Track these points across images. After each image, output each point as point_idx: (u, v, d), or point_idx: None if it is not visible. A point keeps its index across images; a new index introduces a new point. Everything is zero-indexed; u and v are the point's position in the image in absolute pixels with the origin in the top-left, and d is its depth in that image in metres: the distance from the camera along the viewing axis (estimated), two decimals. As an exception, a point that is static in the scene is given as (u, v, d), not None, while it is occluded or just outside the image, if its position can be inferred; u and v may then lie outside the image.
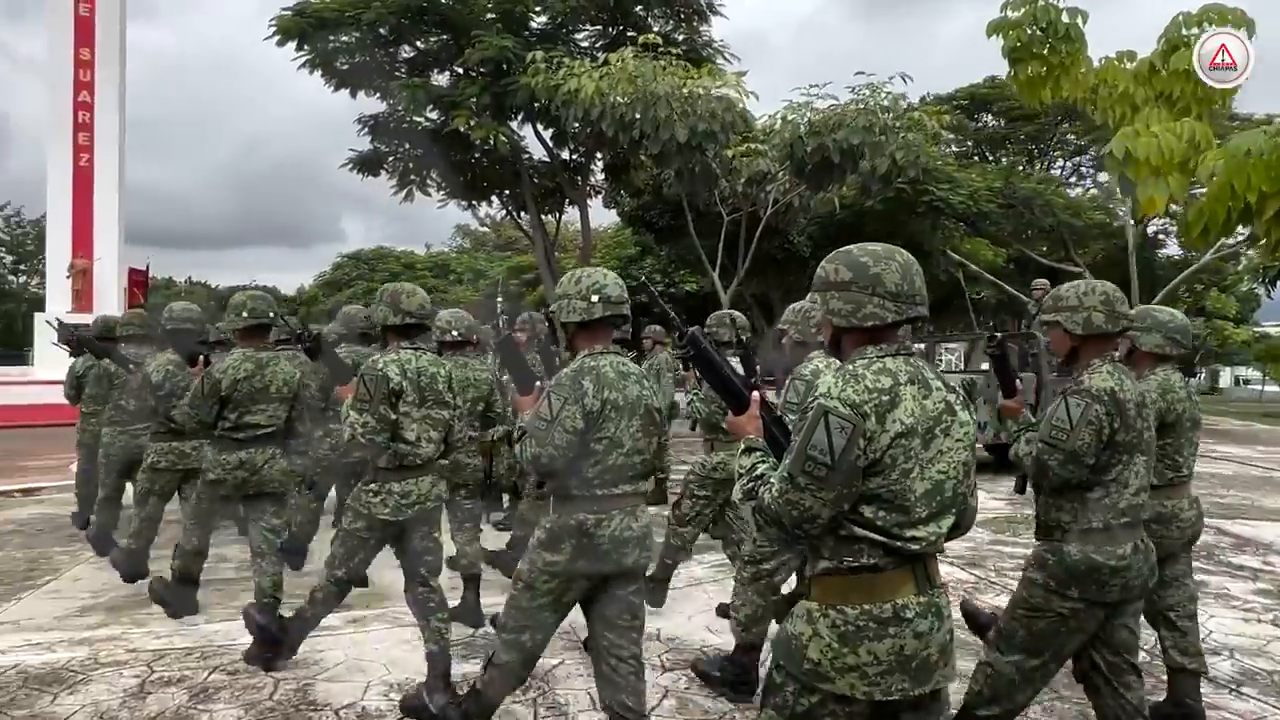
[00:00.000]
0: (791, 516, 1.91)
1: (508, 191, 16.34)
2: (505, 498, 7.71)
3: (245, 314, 4.56)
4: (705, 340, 2.22)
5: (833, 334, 2.09)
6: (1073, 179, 28.10)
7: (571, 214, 18.16)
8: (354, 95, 14.63)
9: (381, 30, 13.75)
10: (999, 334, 3.49)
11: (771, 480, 1.97)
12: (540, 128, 14.38)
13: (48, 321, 7.43)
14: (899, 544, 1.93)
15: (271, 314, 4.61)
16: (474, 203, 16.85)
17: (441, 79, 14.57)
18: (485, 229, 40.77)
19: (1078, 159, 27.98)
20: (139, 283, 23.81)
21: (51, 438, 12.66)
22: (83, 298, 22.62)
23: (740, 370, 4.48)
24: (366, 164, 15.26)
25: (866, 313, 1.99)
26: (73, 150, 24.09)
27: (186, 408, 4.58)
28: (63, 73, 24.12)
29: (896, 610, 1.94)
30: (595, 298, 2.96)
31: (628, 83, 9.97)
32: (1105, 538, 2.74)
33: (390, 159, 15.32)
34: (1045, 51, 6.53)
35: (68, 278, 23.46)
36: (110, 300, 22.03)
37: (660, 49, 10.20)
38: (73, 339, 7.12)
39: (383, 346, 4.16)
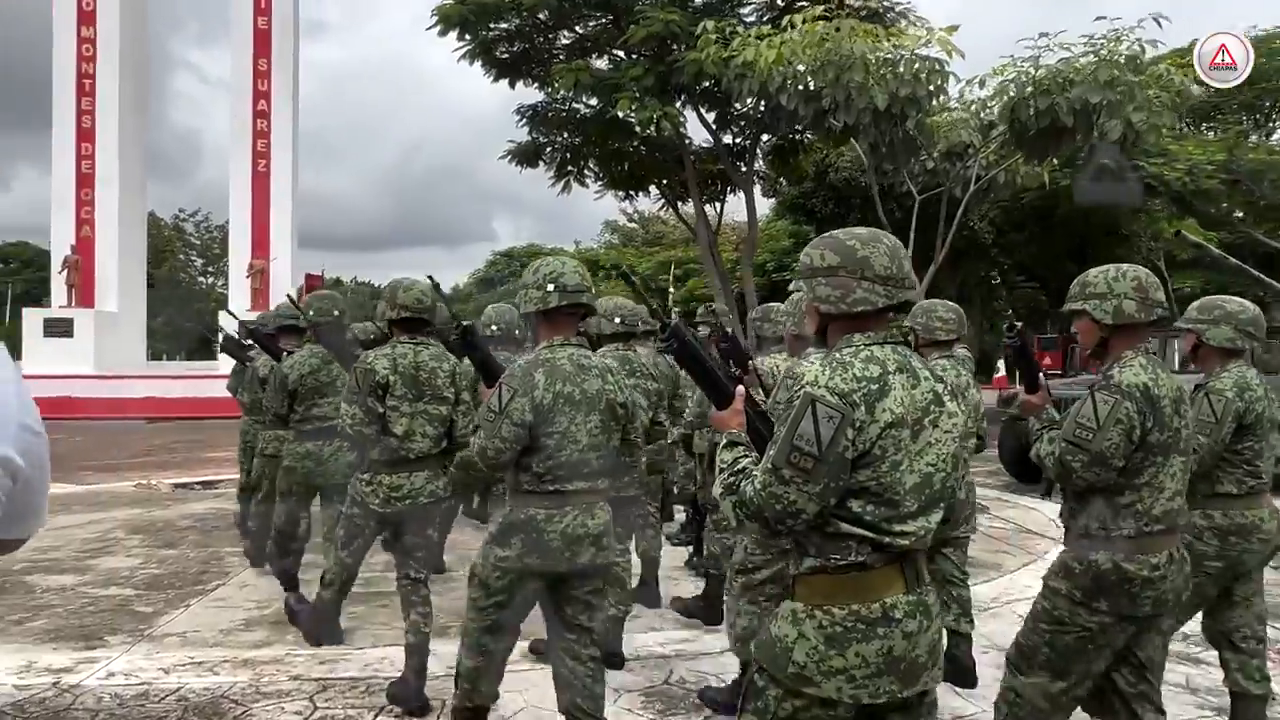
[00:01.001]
0: (775, 510, 1.81)
1: (665, 181, 15.68)
2: (679, 508, 7.19)
3: (312, 313, 4.84)
4: (689, 333, 2.12)
5: (819, 322, 2.00)
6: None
7: (730, 203, 17.37)
8: (512, 85, 14.39)
9: (541, 16, 13.39)
10: (1018, 323, 3.14)
11: (754, 473, 1.88)
12: (703, 110, 13.61)
13: (211, 331, 7.54)
14: (887, 539, 1.84)
15: (336, 312, 4.85)
16: (632, 193, 16.29)
17: (601, 63, 14.07)
18: (633, 224, 40.53)
19: (1302, 128, 24.50)
20: (314, 286, 24.85)
21: (234, 430, 13.04)
22: (260, 297, 23.78)
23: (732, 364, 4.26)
24: (525, 155, 14.98)
25: (856, 298, 1.90)
26: (251, 155, 25.50)
27: (266, 401, 4.98)
28: (243, 82, 25.61)
29: (885, 610, 1.85)
30: (551, 287, 2.90)
31: (815, 47, 8.93)
32: (1137, 545, 2.53)
33: (548, 149, 14.98)
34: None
35: (247, 278, 24.81)
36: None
37: (847, 10, 9.10)
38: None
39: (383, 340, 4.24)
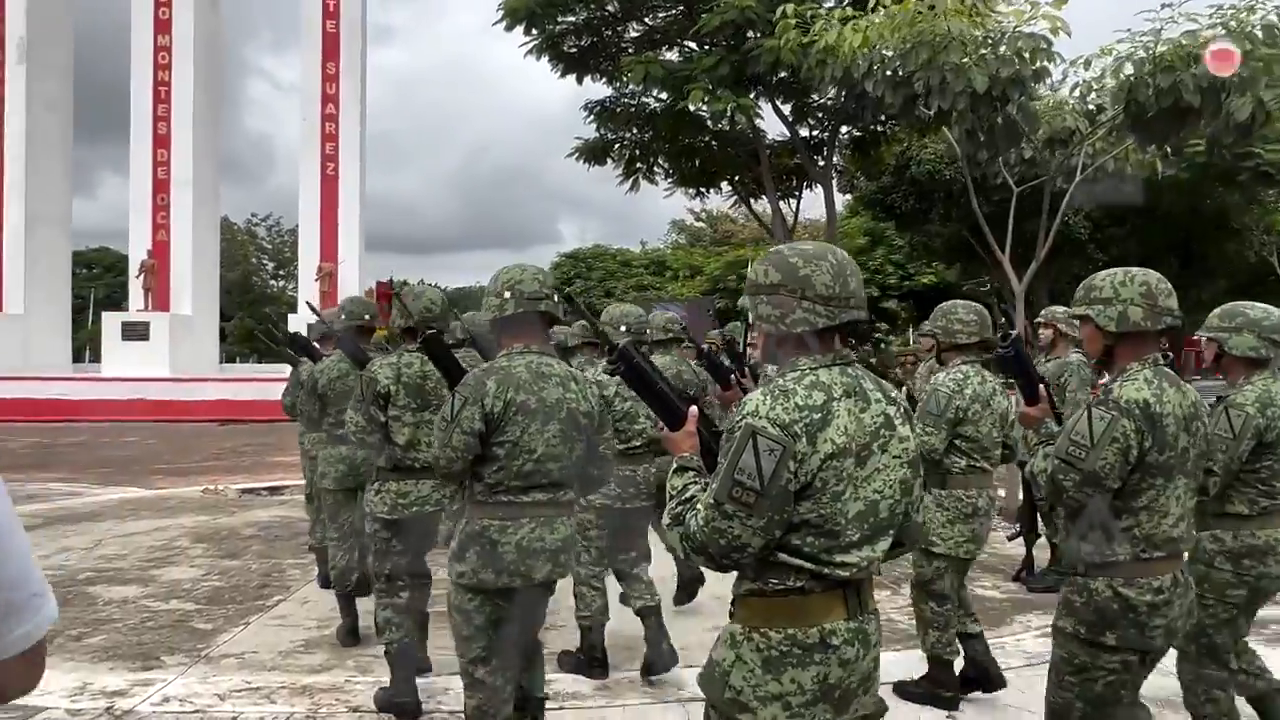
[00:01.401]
0: (719, 546, 1.76)
1: (738, 177, 15.16)
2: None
3: (344, 316, 4.84)
4: (637, 355, 2.04)
5: (765, 341, 1.95)
6: None
7: (805, 199, 16.73)
8: (580, 81, 14.05)
9: (609, 7, 13.01)
10: (1012, 331, 3.00)
11: (699, 506, 1.81)
12: (778, 102, 13.05)
13: (272, 336, 7.38)
14: (826, 570, 1.79)
15: (367, 316, 4.85)
16: (702, 190, 15.80)
17: (671, 55, 13.62)
18: (701, 224, 40.05)
19: None
20: (385, 294, 25.02)
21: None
22: (328, 300, 23.97)
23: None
24: (592, 152, 14.62)
25: (795, 318, 1.84)
26: (320, 159, 25.78)
27: (299, 404, 5.04)
28: (312, 87, 25.93)
29: (823, 636, 1.80)
30: (507, 294, 2.90)
31: (907, 27, 8.28)
32: (1136, 569, 2.38)
33: (616, 146, 14.60)
34: None
35: (316, 281, 25.09)
36: (352, 301, 23.13)
37: (939, -15, 8.43)
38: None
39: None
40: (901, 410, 1.92)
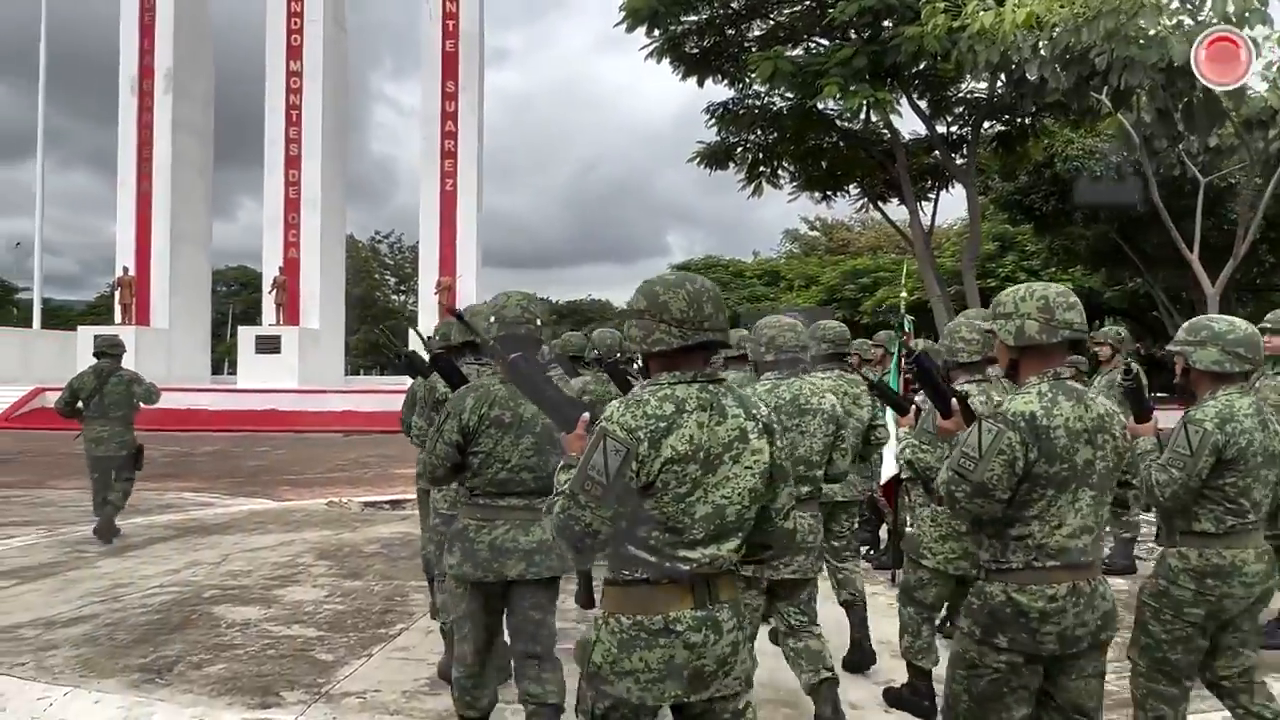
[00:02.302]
0: (574, 531, 2.03)
1: (867, 178, 14.33)
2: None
3: (437, 338, 5.16)
4: (525, 364, 2.31)
5: (643, 360, 2.19)
6: None
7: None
8: (701, 84, 13.57)
9: (734, 4, 12.47)
10: (915, 344, 2.66)
11: (560, 497, 2.07)
12: (914, 97, 12.19)
13: (393, 349, 7.26)
14: (668, 564, 2.04)
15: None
16: (829, 193, 15.01)
17: (796, 53, 12.95)
18: (815, 233, 38.93)
19: None
20: (505, 310, 25.20)
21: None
22: (447, 313, 24.28)
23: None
24: (714, 156, 14.11)
25: (654, 339, 2.09)
26: (440, 176, 26.26)
27: (403, 416, 5.37)
28: (432, 106, 26.49)
29: (667, 623, 2.04)
30: (493, 318, 3.24)
31: (1082, -1, 7.32)
32: (1029, 576, 2.42)
33: (739, 149, 14.01)
34: None
35: (435, 295, 25.50)
36: (470, 314, 23.35)
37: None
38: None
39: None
40: (760, 427, 2.12)
